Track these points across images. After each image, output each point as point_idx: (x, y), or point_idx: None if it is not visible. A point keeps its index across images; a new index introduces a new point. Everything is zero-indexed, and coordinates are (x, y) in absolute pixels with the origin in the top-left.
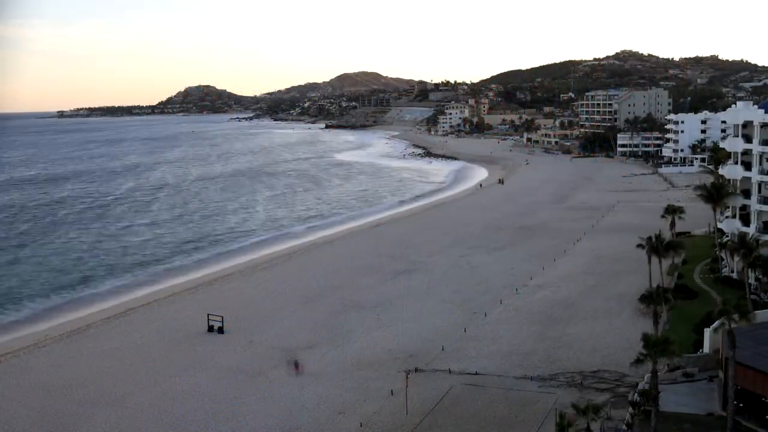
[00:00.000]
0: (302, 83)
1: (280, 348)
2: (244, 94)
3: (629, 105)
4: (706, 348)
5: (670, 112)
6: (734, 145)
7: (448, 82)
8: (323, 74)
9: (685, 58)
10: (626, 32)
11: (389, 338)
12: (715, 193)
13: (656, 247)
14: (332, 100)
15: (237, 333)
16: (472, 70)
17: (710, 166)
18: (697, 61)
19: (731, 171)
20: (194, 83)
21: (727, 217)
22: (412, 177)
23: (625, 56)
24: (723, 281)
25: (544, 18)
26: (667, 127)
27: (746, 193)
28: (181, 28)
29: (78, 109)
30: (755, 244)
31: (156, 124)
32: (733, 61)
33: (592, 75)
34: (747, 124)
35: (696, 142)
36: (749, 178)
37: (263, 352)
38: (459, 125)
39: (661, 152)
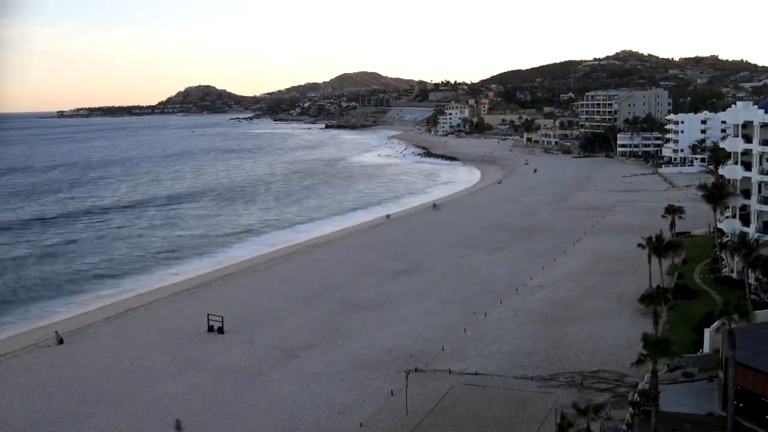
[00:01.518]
0: (302, 83)
1: (280, 348)
2: (244, 94)
3: (629, 105)
4: (706, 348)
5: (670, 112)
6: (734, 145)
7: (448, 82)
8: (323, 74)
9: (685, 58)
10: (626, 32)
11: (389, 338)
12: (716, 193)
13: (656, 247)
14: (332, 100)
15: (237, 333)
16: (472, 70)
17: (710, 166)
18: (697, 61)
19: (731, 171)
20: (194, 83)
21: (727, 217)
22: (412, 177)
23: (625, 56)
24: (723, 281)
25: (544, 18)
26: (667, 127)
27: (746, 193)
28: (181, 28)
29: (78, 109)
30: (755, 244)
31: (150, 126)
32: (733, 61)
33: (592, 75)
34: (747, 124)
35: (696, 142)
36: (749, 178)
37: (263, 352)
38: (459, 125)
39: (661, 152)
